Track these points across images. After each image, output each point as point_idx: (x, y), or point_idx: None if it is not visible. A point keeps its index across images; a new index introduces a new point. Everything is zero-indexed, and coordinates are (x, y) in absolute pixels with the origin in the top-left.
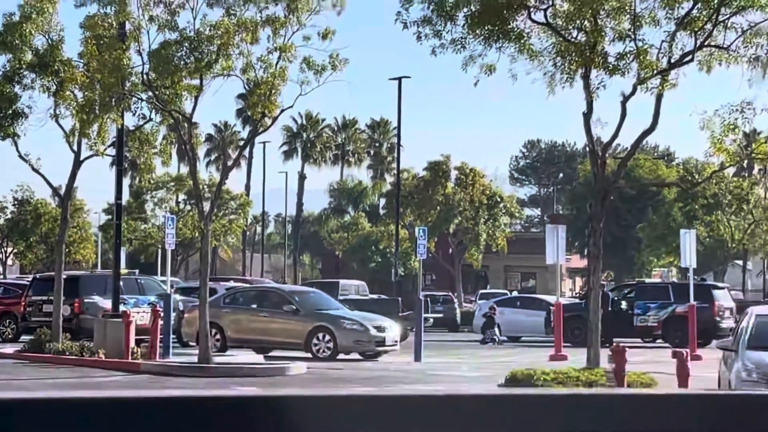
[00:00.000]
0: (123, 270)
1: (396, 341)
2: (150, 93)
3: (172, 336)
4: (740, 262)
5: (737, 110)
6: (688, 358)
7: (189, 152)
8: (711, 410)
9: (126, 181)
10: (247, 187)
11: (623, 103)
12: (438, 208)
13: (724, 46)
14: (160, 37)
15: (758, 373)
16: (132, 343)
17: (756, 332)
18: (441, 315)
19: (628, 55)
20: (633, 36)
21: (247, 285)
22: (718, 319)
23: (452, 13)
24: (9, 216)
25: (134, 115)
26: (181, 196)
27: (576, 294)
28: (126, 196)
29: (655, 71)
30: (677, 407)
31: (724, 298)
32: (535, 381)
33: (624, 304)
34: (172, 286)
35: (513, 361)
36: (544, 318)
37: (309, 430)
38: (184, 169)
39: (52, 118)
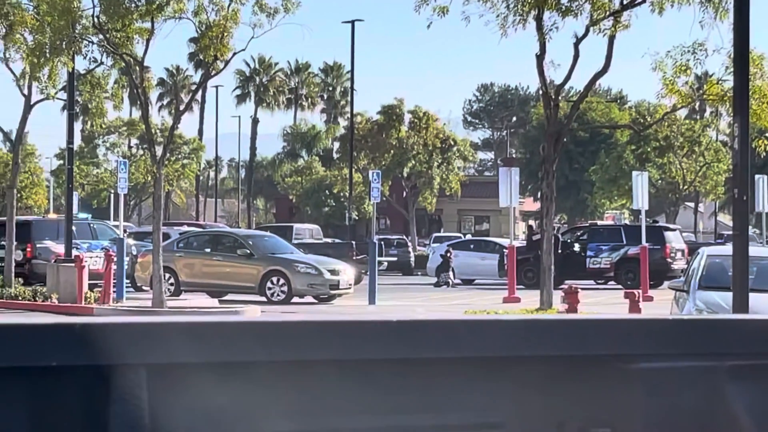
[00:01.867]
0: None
1: (350, 284)
2: (101, 36)
3: (125, 280)
4: (692, 204)
5: (689, 52)
6: (640, 298)
7: (141, 96)
8: (666, 333)
9: (77, 126)
10: (200, 131)
11: (576, 45)
12: (392, 151)
13: None
14: None
15: (709, 312)
16: (85, 288)
17: (707, 273)
18: (395, 258)
19: None
20: None
21: (201, 230)
22: (669, 260)
23: None
24: None
25: (85, 58)
26: (134, 141)
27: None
28: (78, 141)
29: (607, 12)
30: (631, 331)
31: (675, 240)
32: None
33: (577, 247)
34: (125, 231)
35: (467, 303)
36: (498, 261)
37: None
38: (136, 114)
39: (2, 62)
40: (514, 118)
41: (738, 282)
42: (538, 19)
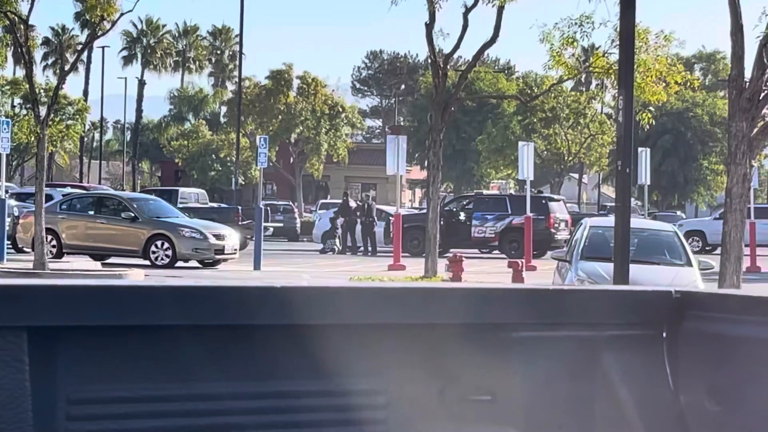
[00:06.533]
0: None
1: (235, 249)
2: None
3: (6, 242)
4: (576, 176)
5: (576, 24)
6: (524, 268)
7: (25, 55)
8: (546, 303)
9: None
10: (86, 92)
11: (465, 15)
12: (279, 117)
13: None
14: None
15: (590, 282)
16: None
17: (589, 243)
18: (281, 224)
19: None
20: None
21: (85, 191)
22: (553, 230)
23: None
24: None
25: None
26: (17, 100)
27: (362, 202)
28: None
29: None
30: (513, 301)
31: (559, 211)
32: None
33: (462, 216)
34: (6, 192)
35: (353, 270)
36: (384, 228)
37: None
38: (20, 73)
39: None
40: (403, 86)
41: (619, 253)
42: None
